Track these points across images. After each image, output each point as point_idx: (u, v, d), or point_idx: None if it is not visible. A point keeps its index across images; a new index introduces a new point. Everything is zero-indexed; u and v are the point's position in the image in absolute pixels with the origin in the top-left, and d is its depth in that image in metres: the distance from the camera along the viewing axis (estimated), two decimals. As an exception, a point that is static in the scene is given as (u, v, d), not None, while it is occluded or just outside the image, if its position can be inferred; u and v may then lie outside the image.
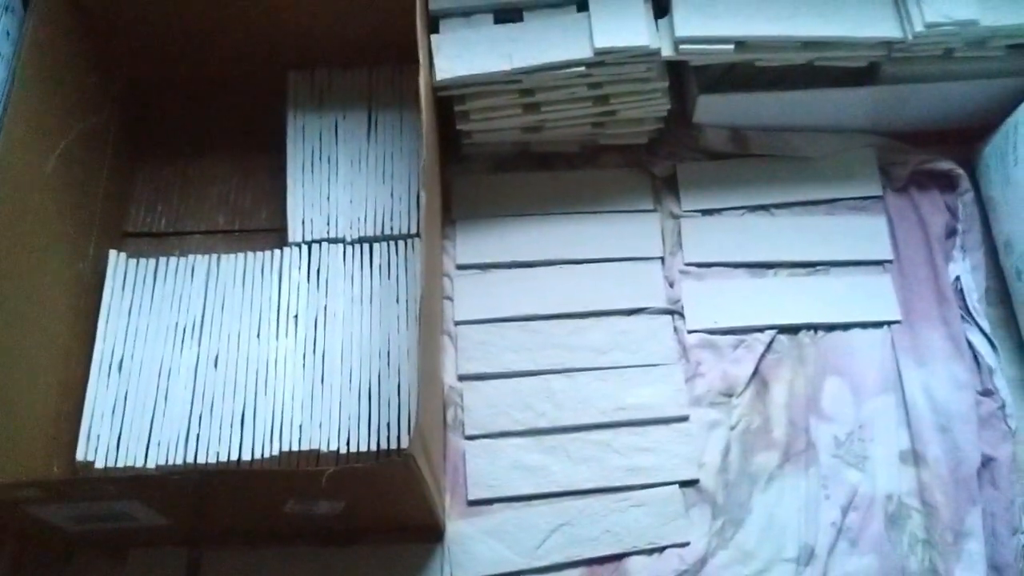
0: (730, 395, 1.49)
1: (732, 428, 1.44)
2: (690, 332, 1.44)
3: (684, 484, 1.36)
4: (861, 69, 1.43)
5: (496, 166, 1.54)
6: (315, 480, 1.03)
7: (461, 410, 1.50)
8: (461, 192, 1.53)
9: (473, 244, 1.48)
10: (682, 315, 1.45)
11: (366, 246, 1.45)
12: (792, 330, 1.45)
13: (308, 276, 1.53)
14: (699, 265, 1.51)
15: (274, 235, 1.50)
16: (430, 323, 1.17)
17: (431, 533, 1.39)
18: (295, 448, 1.40)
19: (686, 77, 1.51)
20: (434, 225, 1.48)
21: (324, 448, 1.40)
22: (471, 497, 1.43)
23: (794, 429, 1.37)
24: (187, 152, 1.53)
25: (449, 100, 1.55)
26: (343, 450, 1.40)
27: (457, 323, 1.56)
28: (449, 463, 1.46)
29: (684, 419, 1.48)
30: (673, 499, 1.41)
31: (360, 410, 1.42)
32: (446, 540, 1.31)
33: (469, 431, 1.48)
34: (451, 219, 1.51)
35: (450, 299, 1.59)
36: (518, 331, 1.56)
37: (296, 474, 1.22)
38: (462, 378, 1.52)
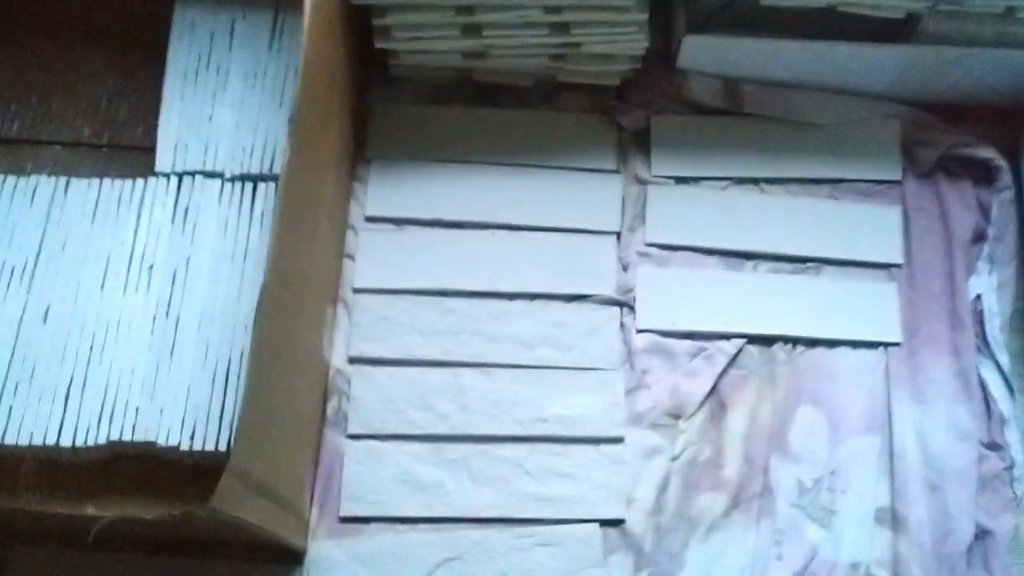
0: (678, 416, 1.21)
1: (674, 458, 1.17)
2: (640, 331, 1.21)
3: (606, 523, 1.13)
4: (896, 22, 1.10)
5: (430, 96, 1.29)
6: (82, 523, 0.75)
7: (346, 400, 1.21)
8: (381, 124, 1.28)
9: (389, 192, 1.20)
10: (633, 309, 1.22)
11: (249, 186, 1.18)
12: (765, 341, 1.22)
13: (173, 217, 1.23)
14: (662, 247, 1.27)
15: (148, 158, 1.23)
16: (277, 293, 0.91)
17: (287, 554, 1.11)
18: (127, 438, 1.12)
19: (673, 10, 1.18)
20: (325, 163, 1.17)
21: (162, 441, 1.12)
22: (344, 513, 1.16)
23: (750, 467, 1.15)
24: (58, 41, 1.21)
25: (368, 10, 1.22)
26: (185, 446, 1.12)
27: (356, 290, 1.26)
28: (323, 466, 1.18)
29: (618, 441, 1.20)
30: (590, 541, 1.14)
31: (213, 396, 1.13)
32: (307, 563, 1.14)
33: (353, 429, 1.20)
34: (365, 157, 1.22)
35: (351, 258, 1.28)
36: (430, 308, 1.26)
37: (58, 515, 0.95)
38: (353, 361, 1.23)
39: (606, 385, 1.24)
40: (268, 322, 0.94)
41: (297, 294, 1.08)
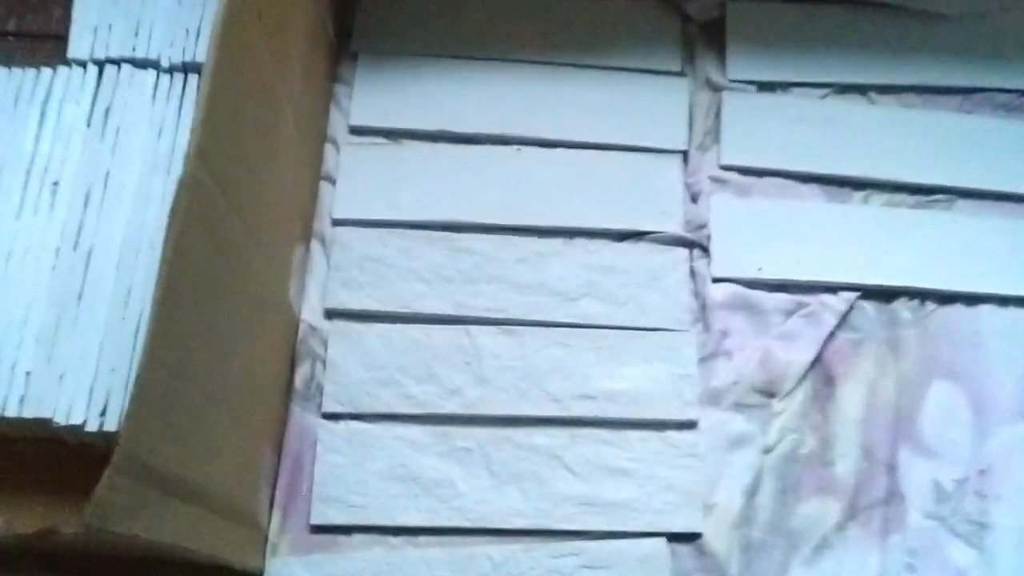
0: (771, 394, 0.89)
1: (767, 451, 0.90)
2: (716, 280, 0.94)
3: (676, 538, 0.88)
4: None
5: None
6: None
7: (321, 368, 0.88)
8: (372, 9, 1.02)
9: (380, 96, 0.96)
10: (706, 250, 0.95)
11: (192, 78, 0.91)
12: (884, 295, 0.96)
13: (89, 118, 0.91)
14: (743, 171, 1.01)
15: (63, 48, 0.98)
16: (209, 201, 0.66)
17: (238, 577, 0.79)
18: (13, 412, 0.79)
19: None
20: (287, 50, 0.86)
21: (60, 419, 0.80)
22: (316, 520, 0.83)
23: (870, 464, 0.90)
24: None
25: None
26: (92, 425, 0.80)
27: (337, 222, 0.94)
28: (287, 456, 0.86)
29: (690, 426, 0.88)
30: (655, 562, 0.84)
31: (134, 358, 0.80)
32: (264, 591, 0.81)
33: (329, 406, 0.88)
34: (350, 51, 0.88)
35: (330, 181, 0.96)
36: (435, 247, 0.93)
37: None
38: (332, 315, 0.90)
39: (672, 351, 0.92)
40: (189, 238, 0.61)
41: (246, 217, 0.75)
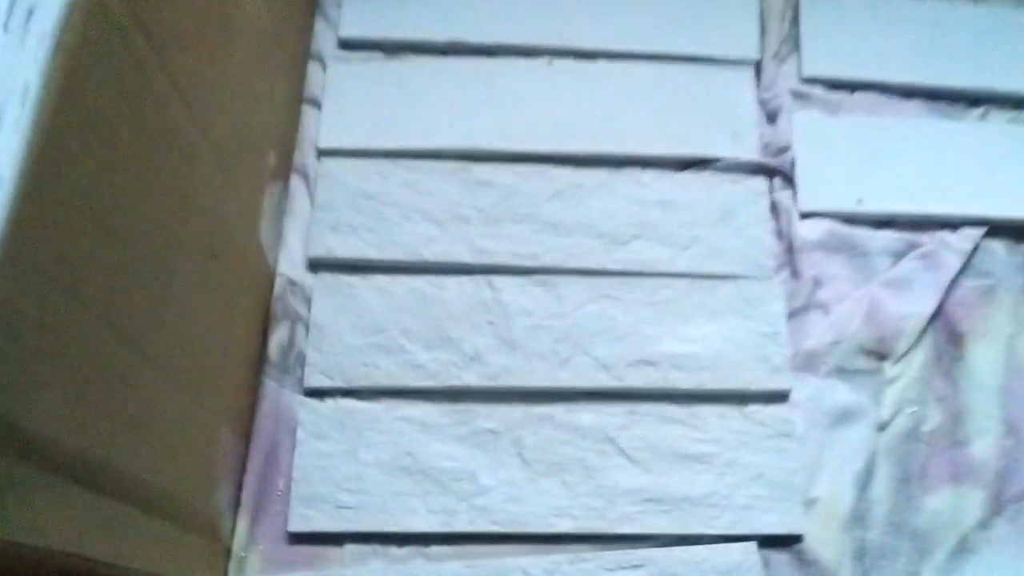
0: (882, 356, 0.70)
1: (882, 427, 0.72)
2: (805, 216, 0.77)
3: (771, 543, 0.68)
4: None
5: None
6: None
7: (302, 332, 0.67)
8: None
9: (375, 2, 0.65)
10: (789, 179, 0.78)
11: None
12: (1017, 232, 0.79)
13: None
14: (830, 84, 0.84)
15: None
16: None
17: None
18: None
19: None
20: None
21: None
22: (296, 527, 0.63)
23: (1018, 441, 0.72)
24: None
25: None
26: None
27: (323, 152, 0.74)
28: (258, 443, 0.65)
29: (780, 397, 0.69)
30: (742, 574, 0.59)
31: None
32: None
33: (313, 379, 0.68)
34: None
35: (315, 104, 0.76)
36: (446, 181, 0.74)
37: None
38: (317, 265, 0.70)
39: (753, 304, 0.71)
40: (86, 82, 0.41)
41: (188, 99, 0.54)
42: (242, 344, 0.68)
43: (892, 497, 0.68)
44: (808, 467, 0.68)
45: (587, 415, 0.69)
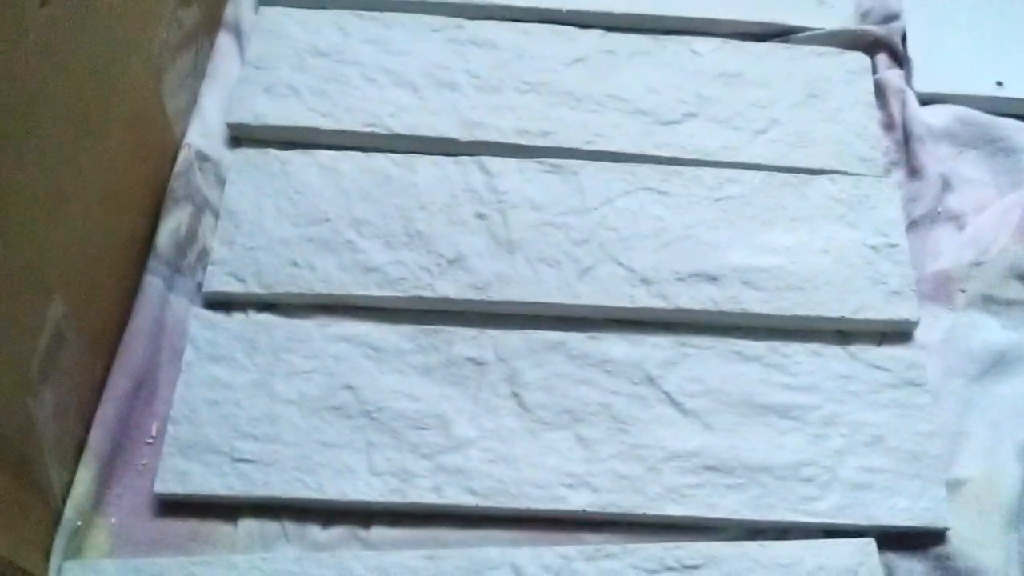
0: None
1: None
2: (926, 101, 0.54)
3: (896, 541, 0.44)
4: None
5: None
6: None
7: (210, 221, 0.45)
8: None
9: None
10: (898, 54, 0.57)
11: None
12: None
13: None
14: None
15: None
16: None
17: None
18: None
19: None
20: None
21: None
22: (165, 489, 0.40)
23: None
24: None
25: None
26: None
27: (263, 1, 0.52)
28: (125, 364, 0.42)
29: (903, 335, 0.45)
30: None
31: None
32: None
33: (216, 282, 0.47)
34: None
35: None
36: (429, 38, 0.54)
37: None
38: (239, 137, 0.49)
39: (857, 208, 0.50)
40: None
41: None
42: (118, 226, 0.46)
43: (1075, 483, 0.45)
44: (949, 434, 0.45)
45: (618, 346, 0.47)
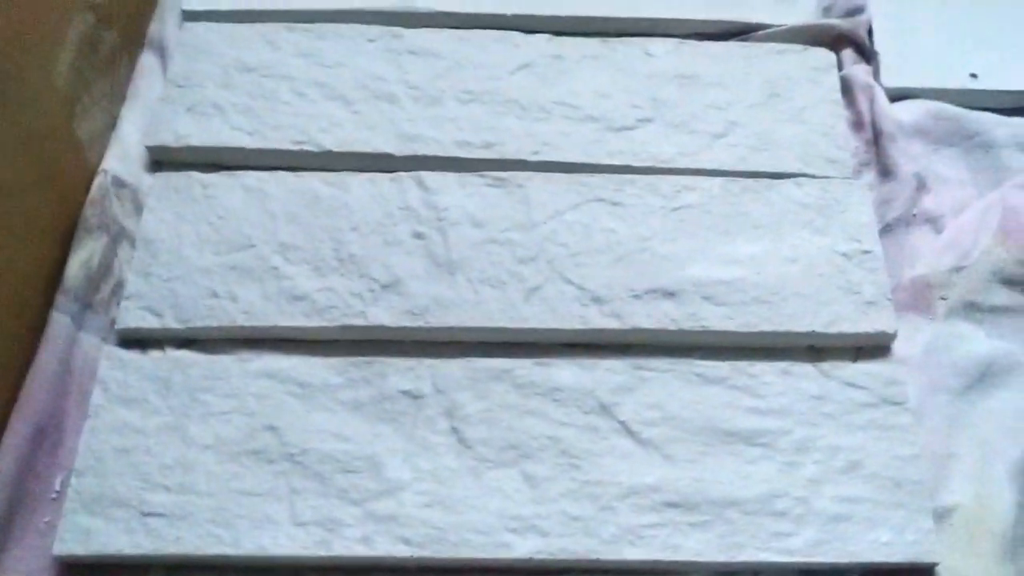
0: None
1: None
2: (897, 96, 0.52)
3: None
4: None
5: None
6: None
7: (126, 251, 0.41)
8: None
9: None
10: (864, 49, 0.54)
11: None
12: None
13: None
14: None
15: None
16: None
17: None
18: None
19: None
20: None
21: None
22: (65, 550, 0.36)
23: None
24: None
25: None
26: None
27: (189, 16, 0.49)
28: (25, 410, 0.38)
29: (880, 349, 0.42)
30: None
31: None
32: None
33: (131, 318, 0.43)
34: None
35: (182, -44, 0.53)
36: (364, 48, 0.52)
37: None
38: (160, 160, 0.46)
39: (826, 213, 0.46)
40: None
41: None
42: (19, 258, 0.43)
43: (1076, 508, 0.40)
44: (934, 457, 0.41)
45: (568, 372, 0.43)
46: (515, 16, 0.54)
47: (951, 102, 0.51)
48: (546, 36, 0.53)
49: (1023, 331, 0.44)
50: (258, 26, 0.54)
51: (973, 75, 0.51)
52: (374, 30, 0.53)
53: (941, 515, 0.40)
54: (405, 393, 0.42)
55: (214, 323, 0.44)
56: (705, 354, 0.44)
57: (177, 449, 0.41)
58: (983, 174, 0.49)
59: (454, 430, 0.41)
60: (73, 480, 0.40)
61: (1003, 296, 0.45)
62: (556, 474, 0.40)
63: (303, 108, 0.50)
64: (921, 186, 0.48)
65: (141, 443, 0.41)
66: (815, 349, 0.44)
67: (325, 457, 0.40)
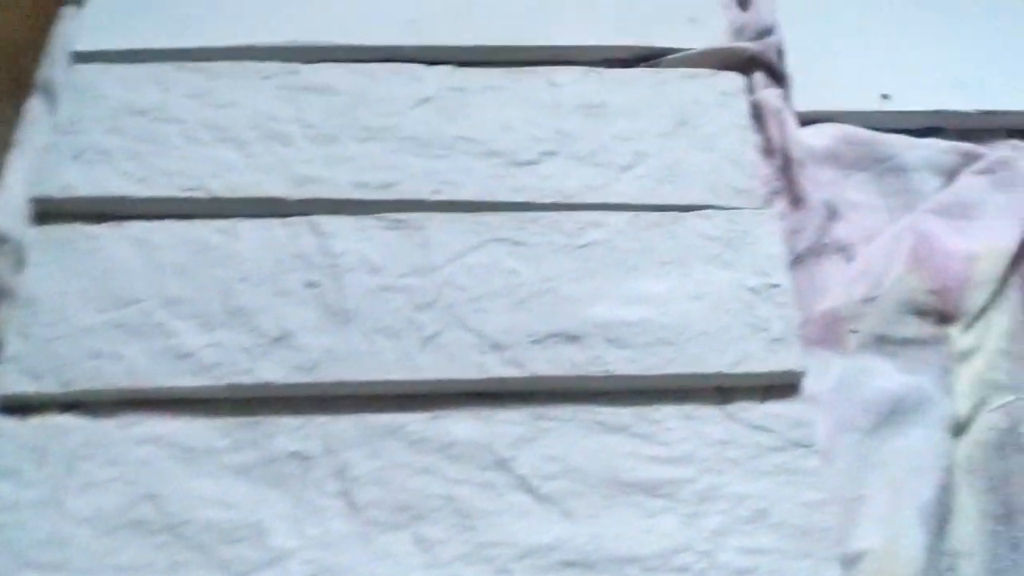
0: (946, 317, 0.45)
1: (960, 429, 0.44)
2: (807, 121, 0.51)
3: None
4: None
5: None
6: None
7: (9, 311, 0.39)
8: None
9: None
10: (776, 73, 0.52)
11: None
12: None
13: None
14: None
15: None
16: None
17: None
18: None
19: None
20: None
21: None
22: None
23: None
24: None
25: None
26: None
27: (78, 57, 0.48)
28: None
29: (789, 388, 0.41)
30: None
31: None
32: None
33: (9, 383, 0.42)
34: None
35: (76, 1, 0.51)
36: (260, 86, 0.50)
37: None
38: (43, 212, 0.43)
39: (734, 246, 0.45)
40: None
41: None
42: None
43: (988, 547, 0.39)
44: (843, 500, 0.40)
45: (465, 425, 0.41)
46: (417, 47, 0.52)
47: (864, 124, 0.50)
48: (449, 67, 0.52)
49: (935, 364, 0.43)
50: (149, 66, 0.52)
51: (885, 96, 0.50)
52: (269, 67, 0.51)
53: (851, 561, 0.39)
54: (293, 454, 0.40)
55: (97, 385, 0.42)
56: (608, 400, 0.42)
57: (52, 523, 0.39)
58: (895, 198, 0.48)
59: (344, 492, 0.40)
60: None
61: (914, 327, 0.44)
62: (450, 536, 0.39)
63: (193, 152, 0.48)
64: (832, 214, 0.47)
65: (14, 518, 0.39)
66: (723, 390, 0.43)
67: (208, 526, 0.39)
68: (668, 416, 0.42)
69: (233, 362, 0.42)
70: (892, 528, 0.39)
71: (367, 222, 0.46)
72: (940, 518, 0.40)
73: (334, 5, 0.53)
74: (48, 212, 0.48)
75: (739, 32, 0.53)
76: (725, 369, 0.42)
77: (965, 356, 0.43)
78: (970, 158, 0.49)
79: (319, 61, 0.52)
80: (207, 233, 0.46)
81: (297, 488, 0.40)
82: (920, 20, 0.53)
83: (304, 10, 0.53)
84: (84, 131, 0.49)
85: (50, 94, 0.52)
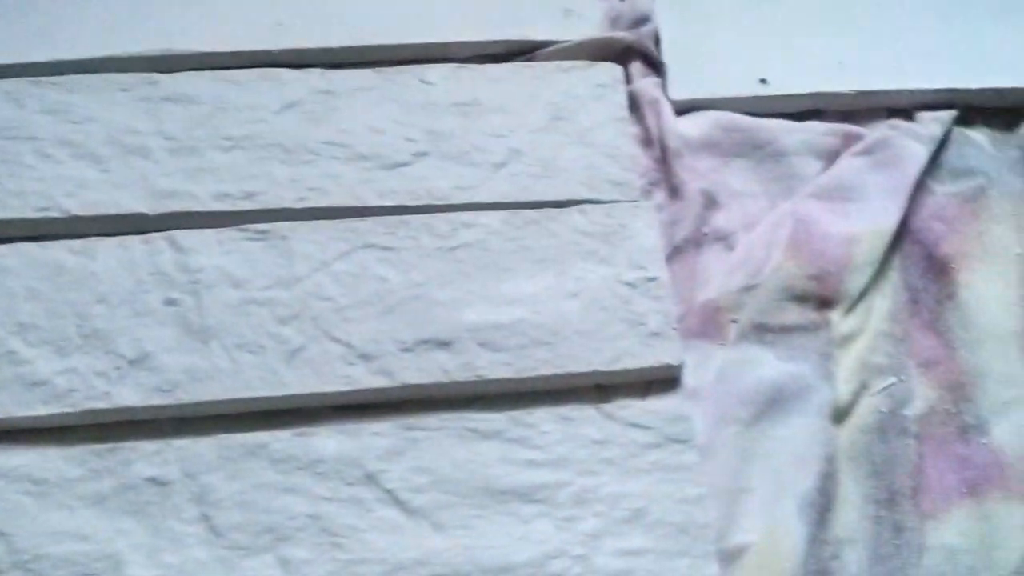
0: (826, 302, 0.45)
1: (841, 415, 0.43)
2: (683, 109, 0.50)
3: None
4: None
5: None
6: None
7: None
8: None
9: None
10: (652, 59, 0.52)
11: None
12: (1006, 113, 0.52)
13: None
14: None
15: None
16: None
17: None
18: None
19: None
20: None
21: None
22: None
23: None
24: None
25: None
26: None
27: None
28: None
29: (669, 382, 0.40)
30: None
31: None
32: None
33: None
34: None
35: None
36: (118, 99, 0.49)
37: None
38: None
39: (611, 241, 0.44)
40: None
41: None
42: None
43: (871, 533, 0.39)
44: (724, 494, 0.39)
45: (332, 440, 0.40)
46: (283, 51, 0.51)
47: (743, 110, 0.49)
48: (319, 71, 0.50)
49: (815, 351, 0.42)
50: (3, 82, 0.49)
51: (763, 81, 0.50)
52: (128, 78, 0.49)
53: (732, 555, 0.38)
54: (151, 480, 0.39)
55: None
56: (483, 406, 0.41)
57: None
58: (775, 184, 0.47)
59: (204, 517, 0.38)
60: None
61: (794, 314, 0.43)
62: (315, 556, 0.37)
63: (48, 170, 0.46)
64: (710, 203, 0.46)
65: None
66: (603, 389, 0.42)
67: (61, 561, 0.37)
68: (543, 419, 0.40)
69: (89, 387, 0.40)
70: (772, 520, 0.38)
71: (229, 234, 0.44)
72: (821, 507, 0.39)
73: (196, 11, 0.52)
74: None
75: (615, 22, 0.52)
76: (602, 367, 0.41)
77: (847, 340, 0.43)
78: (850, 139, 0.48)
79: (182, 70, 0.50)
80: (62, 254, 0.44)
81: (155, 516, 0.38)
82: (798, 3, 0.52)
83: (166, 17, 0.51)
84: (-66, 154, 0.47)
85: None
